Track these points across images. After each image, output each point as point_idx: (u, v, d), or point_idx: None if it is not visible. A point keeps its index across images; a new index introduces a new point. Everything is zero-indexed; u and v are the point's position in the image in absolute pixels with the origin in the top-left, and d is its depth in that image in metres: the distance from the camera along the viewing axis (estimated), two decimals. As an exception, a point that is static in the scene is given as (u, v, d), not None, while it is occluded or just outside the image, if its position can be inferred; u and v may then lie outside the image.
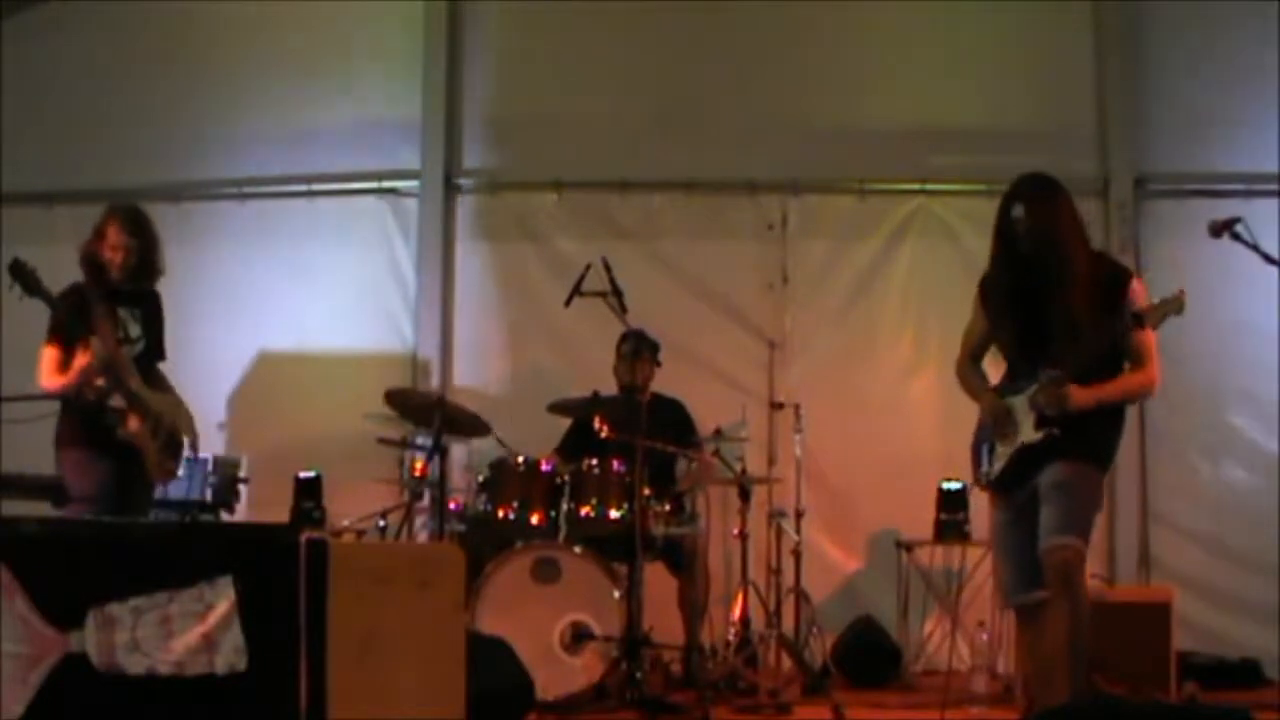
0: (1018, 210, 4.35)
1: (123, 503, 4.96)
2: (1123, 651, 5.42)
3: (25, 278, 4.88)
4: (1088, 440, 4.26)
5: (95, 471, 4.99)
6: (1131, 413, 4.80)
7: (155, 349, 5.35)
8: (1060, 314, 4.26)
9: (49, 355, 5.04)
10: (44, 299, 4.94)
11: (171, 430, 5.21)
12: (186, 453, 5.35)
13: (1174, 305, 4.18)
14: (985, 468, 4.46)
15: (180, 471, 5.45)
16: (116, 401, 5.03)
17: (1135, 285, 4.32)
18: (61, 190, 7.13)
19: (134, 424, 5.04)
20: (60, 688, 3.36)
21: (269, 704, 3.38)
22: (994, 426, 4.41)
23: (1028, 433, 4.30)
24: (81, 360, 4.97)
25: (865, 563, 7.03)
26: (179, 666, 3.38)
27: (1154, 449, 6.93)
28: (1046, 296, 4.29)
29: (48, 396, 5.04)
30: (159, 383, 5.33)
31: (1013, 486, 4.39)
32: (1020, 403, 4.34)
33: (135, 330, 5.21)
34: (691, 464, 6.38)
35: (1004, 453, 4.39)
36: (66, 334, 5.02)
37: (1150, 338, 4.27)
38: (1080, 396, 4.21)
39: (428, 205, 7.27)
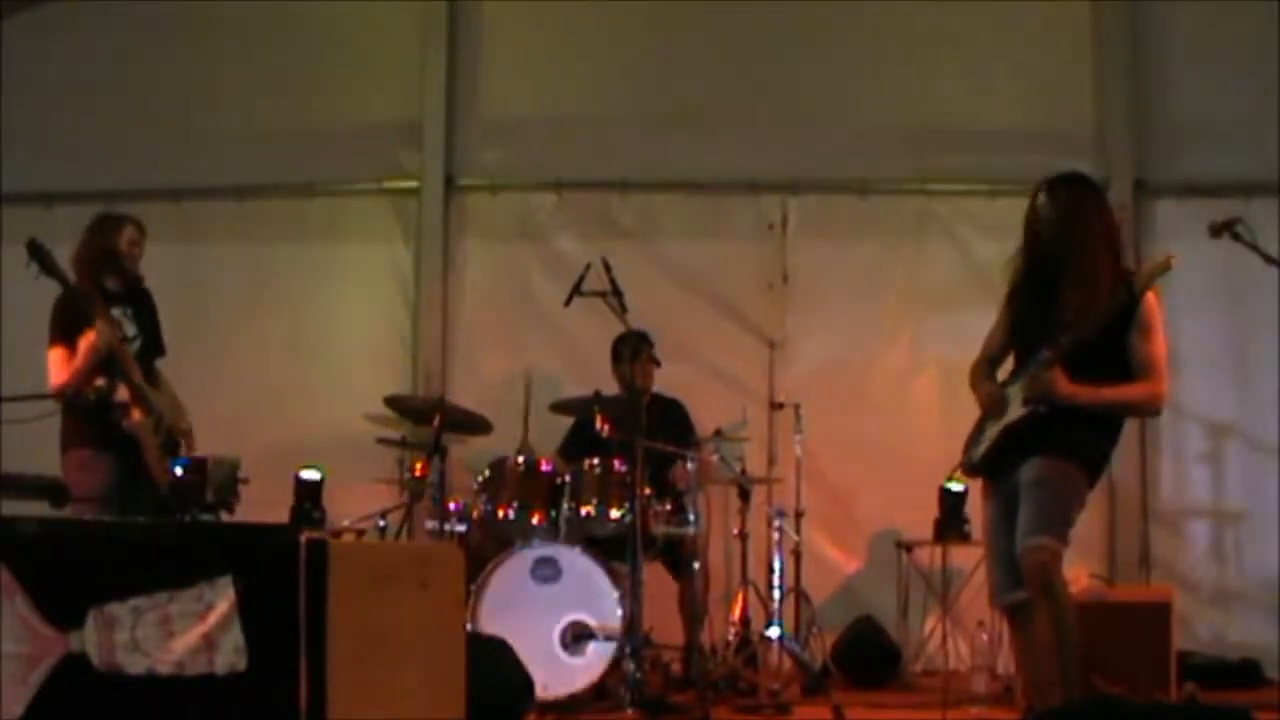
0: (1041, 200, 4.35)
1: (126, 500, 4.95)
2: (1123, 651, 5.41)
3: (43, 257, 4.98)
4: (1072, 437, 4.22)
5: (100, 470, 5.00)
6: (1132, 413, 4.78)
7: (154, 345, 5.37)
8: (1066, 308, 4.24)
9: (55, 355, 5.06)
10: (58, 279, 5.01)
11: (170, 429, 5.22)
12: (182, 452, 5.35)
13: (1161, 267, 4.15)
14: (972, 451, 4.45)
15: (179, 472, 5.44)
16: (120, 396, 5.04)
17: (1150, 297, 4.27)
18: (61, 190, 7.12)
19: (137, 416, 5.06)
20: (60, 688, 3.36)
21: (269, 704, 3.38)
22: (989, 411, 4.41)
23: (1014, 411, 4.29)
24: (89, 339, 4.97)
25: (865, 563, 7.03)
26: (179, 666, 3.38)
27: (1154, 449, 6.94)
28: (1057, 290, 4.28)
29: (55, 395, 5.03)
30: (158, 381, 5.34)
31: (995, 473, 4.37)
32: (1015, 389, 4.33)
33: (131, 329, 5.25)
34: (691, 464, 6.37)
35: (990, 435, 4.37)
36: (68, 333, 5.04)
37: (1159, 349, 4.23)
38: (1067, 387, 4.16)
39: (428, 205, 7.27)
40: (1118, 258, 4.33)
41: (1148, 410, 4.57)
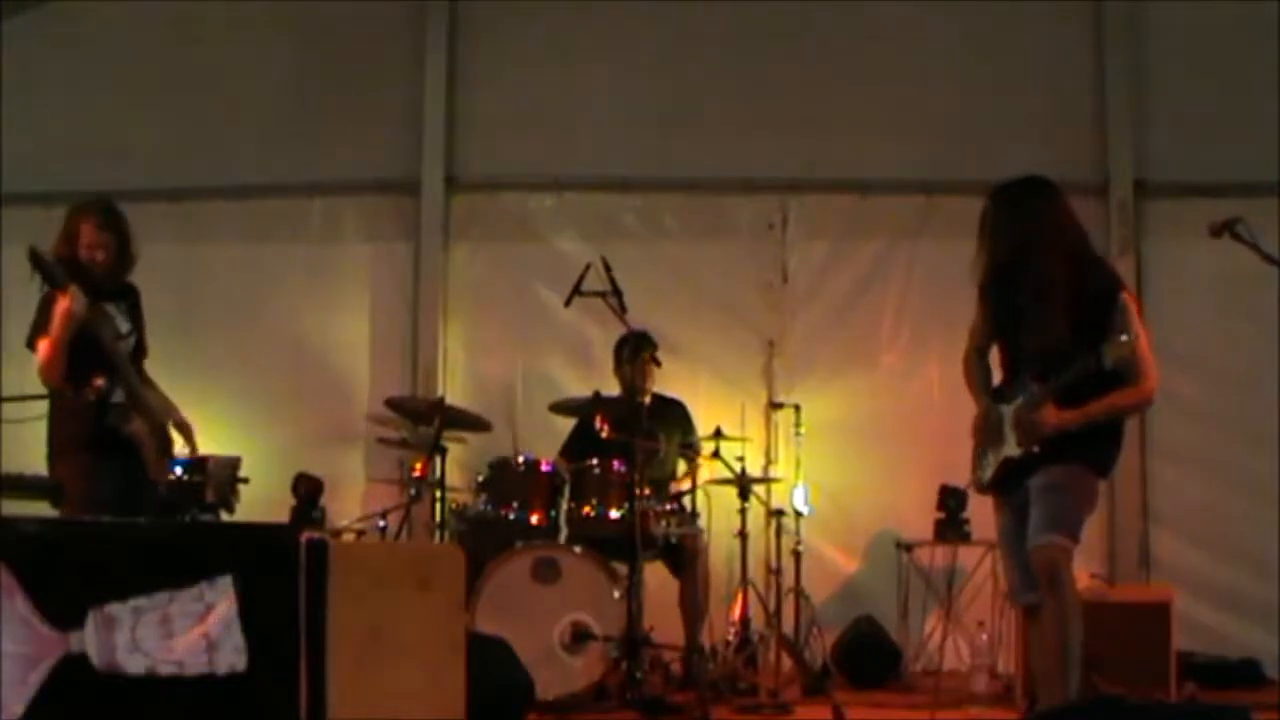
0: (989, 209, 4.40)
1: (128, 504, 4.91)
2: (1123, 651, 5.42)
3: (44, 266, 4.81)
4: (1078, 443, 4.24)
5: (101, 476, 4.93)
6: (1132, 413, 4.80)
7: (141, 345, 5.30)
8: (1037, 325, 4.26)
9: (41, 347, 4.98)
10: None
11: (164, 429, 5.18)
12: (180, 452, 5.31)
13: (1127, 348, 4.13)
14: (979, 472, 4.49)
15: (179, 472, 5.43)
16: (117, 397, 4.99)
17: (1124, 296, 4.28)
18: (61, 190, 7.09)
19: (137, 421, 5.02)
20: (60, 688, 3.35)
21: (269, 704, 3.38)
22: (985, 434, 4.43)
23: (1011, 447, 4.34)
24: (62, 305, 4.79)
25: (865, 563, 7.02)
26: (179, 666, 3.38)
27: (1154, 449, 6.93)
28: (1023, 305, 4.30)
29: (47, 384, 4.96)
30: (147, 380, 5.28)
31: (1005, 490, 4.42)
32: (1009, 413, 4.35)
33: (125, 326, 5.14)
34: (692, 464, 6.39)
35: (993, 461, 4.42)
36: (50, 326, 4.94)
37: (1143, 348, 4.24)
38: (1058, 418, 4.20)
39: (428, 205, 7.27)
40: (1075, 253, 4.35)
41: (1140, 408, 4.64)
